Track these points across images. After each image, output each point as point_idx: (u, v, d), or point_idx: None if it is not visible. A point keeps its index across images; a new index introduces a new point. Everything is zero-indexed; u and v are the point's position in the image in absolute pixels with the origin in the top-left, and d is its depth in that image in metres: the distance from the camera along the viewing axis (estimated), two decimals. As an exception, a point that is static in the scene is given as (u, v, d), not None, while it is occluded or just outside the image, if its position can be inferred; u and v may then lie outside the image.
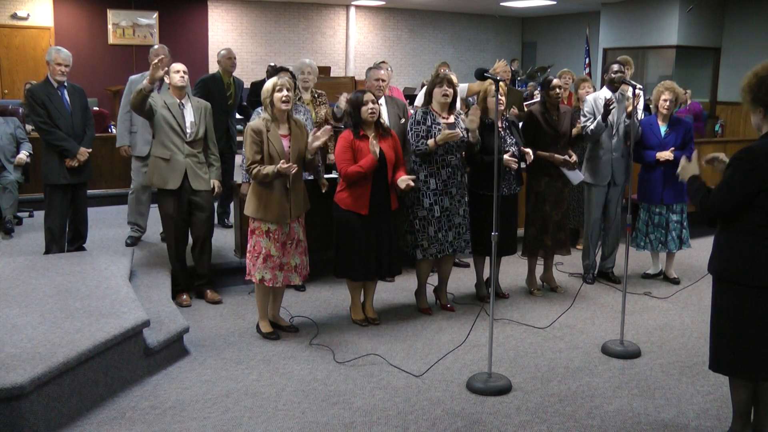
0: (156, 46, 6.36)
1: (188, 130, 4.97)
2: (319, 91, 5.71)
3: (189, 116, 5.00)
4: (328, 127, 4.52)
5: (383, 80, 5.37)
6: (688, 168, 3.25)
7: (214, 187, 5.13)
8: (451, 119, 4.87)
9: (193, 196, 5.02)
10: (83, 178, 5.62)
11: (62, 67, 5.40)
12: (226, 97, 6.59)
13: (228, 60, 6.79)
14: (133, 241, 6.31)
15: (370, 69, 5.50)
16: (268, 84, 4.42)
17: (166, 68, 5.02)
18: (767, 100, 2.97)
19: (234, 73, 6.92)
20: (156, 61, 4.85)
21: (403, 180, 4.57)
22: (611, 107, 5.38)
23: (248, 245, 4.52)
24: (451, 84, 4.83)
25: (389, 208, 4.71)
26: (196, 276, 5.31)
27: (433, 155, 4.79)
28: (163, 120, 4.91)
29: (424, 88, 7.05)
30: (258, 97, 4.77)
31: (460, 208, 4.92)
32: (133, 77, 6.23)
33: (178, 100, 4.99)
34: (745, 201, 2.96)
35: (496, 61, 6.52)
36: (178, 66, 5.01)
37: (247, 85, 7.82)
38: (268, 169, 4.29)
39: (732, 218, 3.04)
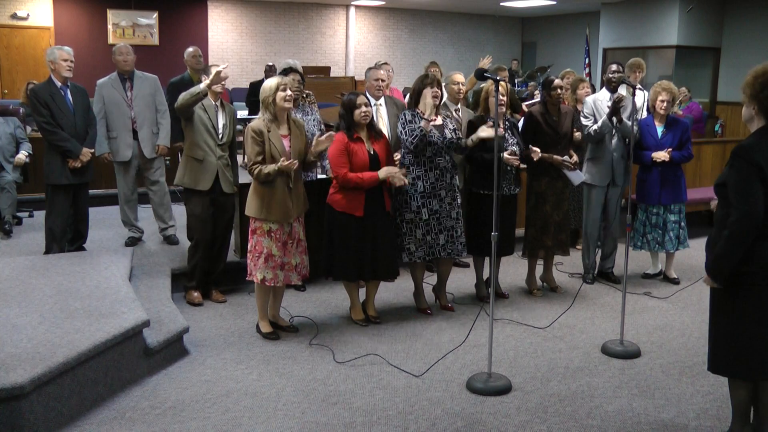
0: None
1: (221, 132, 4.99)
2: (307, 92, 5.72)
3: (222, 119, 5.03)
4: (332, 133, 4.52)
5: (382, 80, 5.37)
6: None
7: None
8: (439, 120, 4.87)
9: (222, 197, 5.06)
10: (85, 178, 5.63)
11: (68, 62, 5.42)
12: None
13: (194, 58, 6.81)
14: (133, 242, 6.31)
15: (369, 69, 5.51)
16: (271, 83, 4.40)
17: (225, 79, 4.96)
18: (767, 102, 2.98)
19: (232, 74, 6.94)
20: (221, 67, 4.83)
21: (398, 177, 4.57)
22: (621, 105, 5.37)
23: (249, 245, 4.51)
24: (440, 85, 4.84)
25: (383, 208, 4.72)
26: (207, 273, 5.32)
27: (421, 157, 4.79)
28: (200, 121, 4.91)
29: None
30: (256, 96, 4.77)
31: (452, 210, 4.91)
32: (99, 81, 6.10)
33: (214, 102, 5.00)
34: (760, 190, 2.91)
35: (481, 59, 6.48)
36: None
37: (245, 84, 7.85)
38: (270, 167, 4.30)
39: (727, 219, 3.03)
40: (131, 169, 6.23)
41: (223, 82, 4.96)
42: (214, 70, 4.87)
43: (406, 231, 4.86)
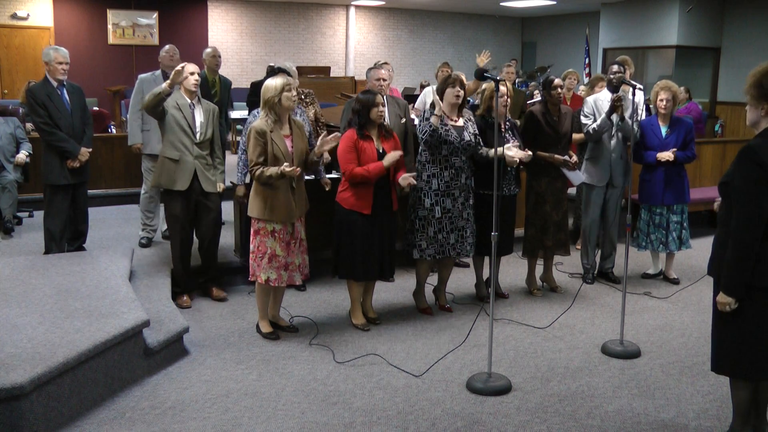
0: (168, 47, 6.36)
1: (198, 131, 4.96)
2: (307, 91, 5.68)
3: (199, 117, 4.99)
4: (338, 134, 4.52)
5: (384, 80, 5.38)
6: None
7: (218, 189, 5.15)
8: (460, 122, 4.87)
9: (202, 197, 5.02)
10: (83, 177, 5.63)
11: (63, 65, 5.42)
12: (210, 96, 6.58)
13: (213, 58, 6.82)
14: (148, 242, 6.31)
15: (370, 69, 5.50)
16: (276, 83, 4.37)
17: (186, 74, 4.94)
18: None
19: (232, 74, 6.92)
20: (179, 67, 4.83)
21: (405, 178, 4.58)
22: (619, 104, 5.38)
23: (251, 246, 4.51)
24: (462, 85, 4.84)
25: (391, 208, 4.72)
26: (202, 273, 5.31)
27: (436, 155, 4.79)
28: (174, 120, 4.89)
29: (426, 89, 7.08)
30: (257, 97, 4.79)
31: (464, 210, 4.91)
32: (143, 76, 6.22)
33: (189, 101, 4.98)
34: (765, 193, 2.88)
35: (477, 55, 6.39)
36: (192, 68, 4.97)
37: (245, 84, 7.83)
38: (272, 170, 4.29)
39: (731, 219, 3.02)
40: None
41: (195, 80, 4.92)
42: (186, 68, 4.88)
43: (419, 228, 4.86)
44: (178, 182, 4.92)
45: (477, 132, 4.95)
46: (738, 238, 2.93)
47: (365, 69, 5.88)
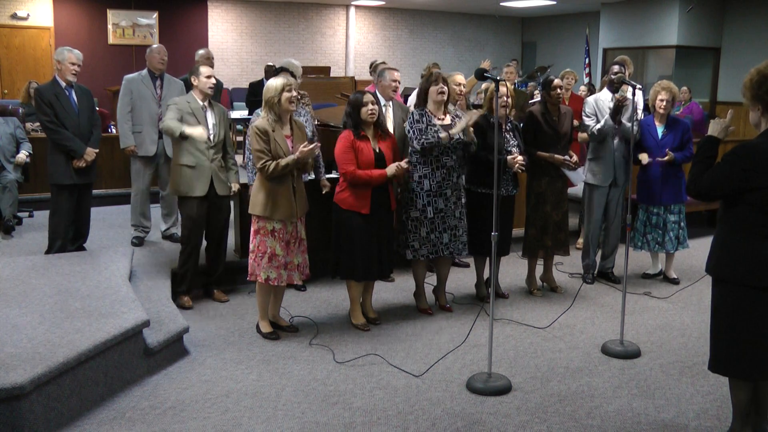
0: (156, 47, 6.31)
1: (211, 134, 4.96)
2: (302, 92, 5.70)
3: (211, 119, 5.00)
4: (316, 144, 4.48)
5: (399, 82, 5.37)
6: (717, 124, 3.20)
7: (233, 190, 5.17)
8: (447, 119, 4.86)
9: (216, 199, 5.03)
10: (89, 178, 5.64)
11: (75, 66, 5.44)
12: None
13: (207, 60, 6.81)
14: (140, 241, 6.31)
15: (385, 69, 5.47)
16: (276, 83, 4.37)
17: (203, 77, 4.97)
18: (767, 98, 2.98)
19: (232, 74, 6.91)
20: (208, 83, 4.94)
21: (391, 168, 4.55)
22: (623, 105, 5.37)
23: (251, 245, 4.50)
24: (445, 82, 4.83)
25: (389, 207, 4.72)
26: (207, 274, 5.32)
27: (427, 156, 4.78)
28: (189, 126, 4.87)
29: (415, 91, 7.08)
30: (256, 97, 4.79)
31: (456, 210, 4.91)
32: (129, 77, 6.22)
33: (202, 103, 4.97)
34: (730, 196, 2.99)
35: (481, 61, 6.53)
36: (209, 71, 4.98)
37: (245, 84, 7.82)
38: (288, 159, 4.29)
39: (730, 218, 3.04)
40: (152, 165, 6.27)
41: (211, 84, 4.97)
42: (202, 70, 4.92)
43: (411, 229, 4.86)
44: (197, 188, 4.92)
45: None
46: (697, 182, 3.07)
47: (365, 69, 5.90)
